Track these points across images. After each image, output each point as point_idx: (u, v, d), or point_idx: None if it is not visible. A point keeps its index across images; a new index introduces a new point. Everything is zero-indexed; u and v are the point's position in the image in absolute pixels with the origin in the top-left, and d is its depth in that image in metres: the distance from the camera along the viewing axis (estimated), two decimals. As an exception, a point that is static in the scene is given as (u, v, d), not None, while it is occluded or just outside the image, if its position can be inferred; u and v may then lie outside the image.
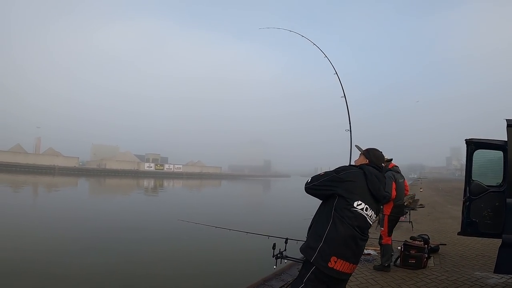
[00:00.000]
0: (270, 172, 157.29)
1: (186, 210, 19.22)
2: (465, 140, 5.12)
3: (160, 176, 71.79)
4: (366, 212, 2.28)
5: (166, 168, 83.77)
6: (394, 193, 5.22)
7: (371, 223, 2.34)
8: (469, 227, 4.99)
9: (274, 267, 3.53)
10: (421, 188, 28.20)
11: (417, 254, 5.41)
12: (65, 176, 53.56)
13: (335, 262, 2.16)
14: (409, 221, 9.34)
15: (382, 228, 5.44)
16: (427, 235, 6.66)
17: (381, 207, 5.35)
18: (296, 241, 4.04)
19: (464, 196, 5.12)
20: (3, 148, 63.20)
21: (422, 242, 5.80)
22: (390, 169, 5.50)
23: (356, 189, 2.30)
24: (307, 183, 2.43)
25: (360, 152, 2.75)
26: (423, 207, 14.88)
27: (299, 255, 3.96)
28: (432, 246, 6.34)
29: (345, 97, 6.29)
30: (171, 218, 10.19)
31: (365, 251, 6.26)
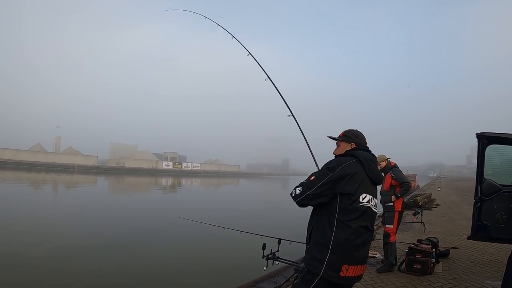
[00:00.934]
0: (289, 170, 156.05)
1: (191, 207, 19.34)
2: (476, 134, 4.65)
3: (178, 174, 72.30)
4: (372, 203, 2.06)
5: (184, 167, 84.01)
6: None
7: (376, 211, 2.13)
8: (480, 231, 4.52)
9: (264, 268, 3.30)
10: (439, 187, 27.22)
11: (423, 259, 4.99)
12: (84, 174, 54.66)
13: (347, 270, 1.92)
14: (421, 222, 8.83)
15: (391, 226, 5.13)
16: (436, 238, 6.19)
17: (392, 203, 5.08)
18: (289, 241, 3.77)
19: (475, 197, 4.68)
20: (24, 147, 64.98)
21: (430, 246, 5.37)
22: (393, 167, 5.34)
23: (358, 181, 2.02)
24: (297, 196, 2.06)
25: (336, 141, 2.37)
26: (437, 207, 14.19)
27: (292, 257, 3.71)
28: (441, 250, 5.89)
29: (269, 79, 4.94)
30: (172, 215, 10.09)
31: (370, 254, 5.88)
